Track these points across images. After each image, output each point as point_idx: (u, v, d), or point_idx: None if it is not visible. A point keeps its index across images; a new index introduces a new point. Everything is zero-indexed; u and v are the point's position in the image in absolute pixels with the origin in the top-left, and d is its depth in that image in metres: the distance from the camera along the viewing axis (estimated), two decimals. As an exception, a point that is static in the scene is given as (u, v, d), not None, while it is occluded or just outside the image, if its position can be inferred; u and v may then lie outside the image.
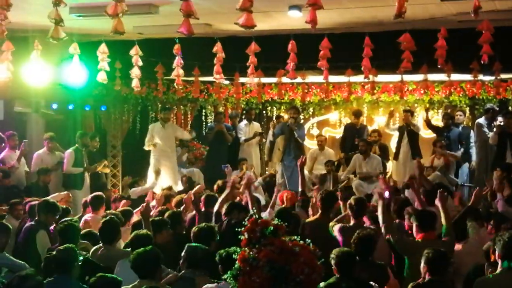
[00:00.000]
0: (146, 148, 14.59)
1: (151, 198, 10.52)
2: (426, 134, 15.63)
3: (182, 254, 6.76)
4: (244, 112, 16.73)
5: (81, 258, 6.81)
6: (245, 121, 16.15)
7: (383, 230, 7.41)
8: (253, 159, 15.78)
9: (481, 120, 14.10)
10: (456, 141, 14.35)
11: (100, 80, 12.56)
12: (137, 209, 9.18)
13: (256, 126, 16.01)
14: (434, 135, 14.75)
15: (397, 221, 8.49)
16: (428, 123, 14.83)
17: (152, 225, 7.94)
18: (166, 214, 8.79)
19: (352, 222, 8.22)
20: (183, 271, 6.69)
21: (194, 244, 6.90)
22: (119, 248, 7.96)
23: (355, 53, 11.80)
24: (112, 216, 8.39)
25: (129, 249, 7.30)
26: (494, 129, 13.28)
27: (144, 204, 8.31)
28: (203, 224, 7.87)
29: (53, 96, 14.84)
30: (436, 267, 6.18)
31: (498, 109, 14.45)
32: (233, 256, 4.94)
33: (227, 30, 12.64)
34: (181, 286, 6.38)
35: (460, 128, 14.57)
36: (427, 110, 15.17)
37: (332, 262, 6.32)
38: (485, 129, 13.66)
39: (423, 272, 6.26)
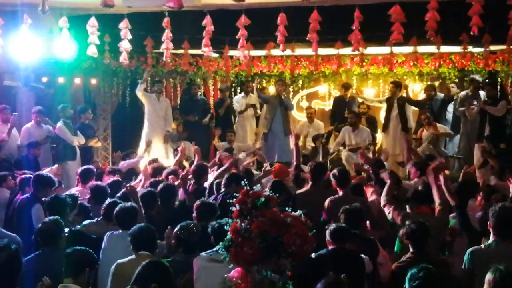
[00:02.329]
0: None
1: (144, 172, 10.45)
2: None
3: (176, 233, 6.51)
4: (241, 84, 16.69)
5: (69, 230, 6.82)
6: (242, 94, 16.15)
7: (382, 201, 7.43)
8: (248, 132, 15.85)
9: (464, 93, 14.19)
10: (440, 111, 14.39)
11: (90, 54, 12.52)
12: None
13: (254, 98, 15.93)
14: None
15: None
16: (408, 100, 14.81)
17: (144, 199, 7.96)
18: (160, 187, 8.72)
19: (340, 193, 8.25)
20: (177, 255, 6.47)
21: (189, 223, 6.66)
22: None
23: (345, 26, 11.75)
24: (104, 188, 8.39)
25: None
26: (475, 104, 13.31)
27: (128, 185, 8.41)
28: (204, 199, 7.85)
29: (43, 70, 14.74)
30: (417, 240, 6.19)
31: (481, 80, 14.51)
32: (225, 227, 4.94)
33: (216, 4, 12.54)
34: (175, 268, 6.23)
35: (441, 98, 14.72)
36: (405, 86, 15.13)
37: (327, 236, 6.35)
38: (472, 101, 13.68)
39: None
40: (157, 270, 5.23)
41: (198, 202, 7.53)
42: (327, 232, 6.37)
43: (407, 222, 6.29)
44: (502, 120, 13.17)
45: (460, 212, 6.93)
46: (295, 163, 10.17)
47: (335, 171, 8.45)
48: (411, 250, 6.20)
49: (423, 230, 6.19)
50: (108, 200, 7.84)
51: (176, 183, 9.15)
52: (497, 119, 12.96)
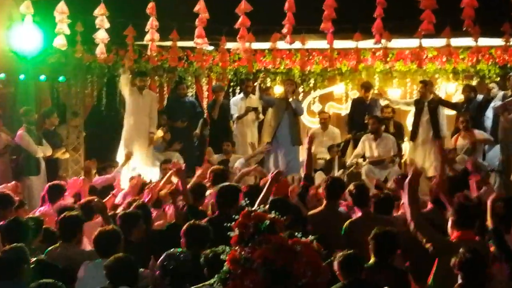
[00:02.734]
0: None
1: (119, 191, 10.48)
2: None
3: (161, 262, 6.43)
4: (240, 83, 16.65)
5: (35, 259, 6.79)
6: (241, 95, 16.06)
7: (411, 225, 7.36)
8: (248, 140, 15.60)
9: (501, 94, 14.13)
10: (477, 116, 14.33)
11: (57, 46, 12.51)
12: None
13: (255, 100, 15.65)
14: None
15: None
16: (439, 100, 14.78)
17: (124, 220, 7.95)
18: (134, 205, 8.73)
19: (359, 214, 8.24)
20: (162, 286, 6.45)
21: (177, 250, 6.71)
22: (82, 249, 7.93)
23: (365, 14, 11.79)
24: (71, 208, 8.35)
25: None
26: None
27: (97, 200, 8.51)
28: (194, 221, 7.80)
29: (1, 65, 14.76)
30: (471, 271, 6.16)
31: None
32: (221, 256, 4.94)
33: (212, -15, 12.62)
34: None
35: (479, 101, 14.62)
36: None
37: (335, 267, 6.32)
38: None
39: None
40: None
41: (186, 225, 7.49)
42: (335, 263, 6.32)
43: (461, 250, 6.25)
44: None
45: (497, 235, 6.91)
46: (304, 173, 10.01)
47: (351, 187, 8.44)
48: (459, 281, 6.17)
49: (480, 261, 6.17)
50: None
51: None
52: None
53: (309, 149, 10.13)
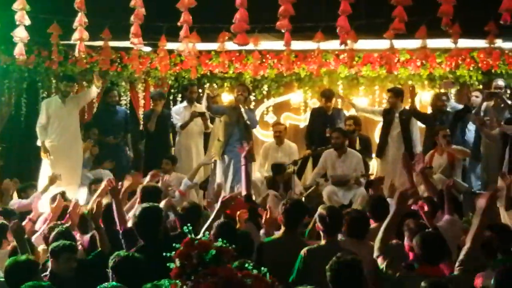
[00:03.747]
0: (39, 142, 14.48)
1: (36, 217, 10.39)
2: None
3: None
4: (183, 90, 16.58)
5: None
6: (184, 103, 15.97)
7: (375, 250, 7.38)
8: (194, 155, 15.52)
9: (485, 105, 14.30)
10: (452, 129, 14.37)
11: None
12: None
13: (200, 109, 15.50)
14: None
15: (394, 241, 8.45)
16: (414, 113, 14.78)
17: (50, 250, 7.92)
18: (53, 233, 8.68)
19: (323, 241, 8.21)
20: None
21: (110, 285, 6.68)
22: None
23: (328, 10, 11.83)
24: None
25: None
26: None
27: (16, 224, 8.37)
28: (126, 254, 7.73)
29: None
30: None
31: (503, 85, 14.69)
32: (160, 292, 4.90)
33: (150, -24, 12.60)
34: None
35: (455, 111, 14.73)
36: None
37: None
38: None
39: None
40: None
41: (116, 259, 7.45)
42: None
43: (423, 284, 6.26)
44: None
45: None
46: (244, 193, 10.02)
47: (322, 210, 8.35)
48: None
49: None
50: None
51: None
52: None
53: (246, 166, 10.06)
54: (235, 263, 5.18)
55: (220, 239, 5.06)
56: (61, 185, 13.29)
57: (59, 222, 9.79)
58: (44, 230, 9.40)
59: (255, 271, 4.95)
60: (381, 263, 7.22)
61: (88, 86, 16.49)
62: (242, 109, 14.16)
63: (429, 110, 15.49)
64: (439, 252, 7.30)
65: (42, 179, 14.02)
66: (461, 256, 7.16)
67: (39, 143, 14.55)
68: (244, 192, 10.02)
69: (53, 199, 11.39)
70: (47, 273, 7.92)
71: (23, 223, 9.82)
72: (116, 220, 8.81)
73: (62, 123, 14.30)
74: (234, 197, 9.06)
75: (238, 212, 9.42)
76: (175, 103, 16.71)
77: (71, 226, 9.44)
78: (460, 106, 14.74)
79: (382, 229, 7.35)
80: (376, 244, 7.32)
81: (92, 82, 15.96)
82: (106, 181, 10.88)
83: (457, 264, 7.14)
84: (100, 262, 7.69)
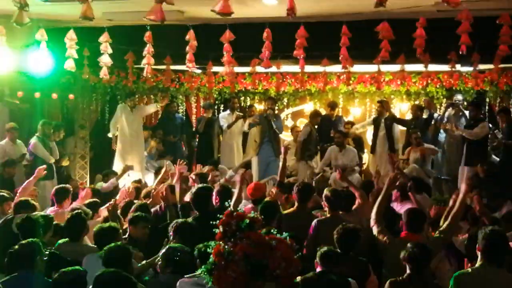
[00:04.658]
0: (110, 134, 14.59)
1: (125, 196, 10.40)
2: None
3: (163, 255, 6.54)
4: (227, 101, 16.57)
5: (47, 252, 6.72)
6: (228, 111, 15.81)
7: (372, 220, 7.39)
8: (235, 152, 15.45)
9: (447, 113, 14.21)
10: (423, 132, 14.33)
11: (67, 68, 12.43)
12: (106, 205, 9.21)
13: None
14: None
15: None
16: (395, 119, 14.81)
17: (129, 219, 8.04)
18: (134, 207, 8.70)
19: (328, 215, 8.23)
20: (163, 275, 6.49)
21: (178, 246, 6.68)
22: (86, 244, 7.87)
23: (332, 42, 11.79)
24: (79, 211, 8.27)
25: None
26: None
27: (112, 202, 8.56)
28: (183, 220, 7.75)
29: (18, 84, 14.66)
30: (417, 264, 6.16)
31: (461, 99, 14.59)
32: (208, 250, 4.90)
33: (200, 17, 12.56)
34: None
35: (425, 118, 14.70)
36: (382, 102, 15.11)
37: (318, 257, 6.33)
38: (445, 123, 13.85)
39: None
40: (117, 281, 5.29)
41: (176, 222, 7.51)
42: (318, 254, 6.36)
43: (409, 245, 6.24)
44: (481, 143, 13.09)
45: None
46: (278, 180, 9.95)
47: (327, 192, 8.38)
48: (408, 272, 6.16)
49: (426, 254, 6.19)
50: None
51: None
52: (473, 141, 12.98)
53: (284, 159, 10.10)
54: (264, 230, 5.19)
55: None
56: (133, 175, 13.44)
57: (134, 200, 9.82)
58: (121, 205, 9.45)
59: (278, 236, 4.96)
60: (375, 230, 7.26)
61: (155, 100, 16.55)
62: (272, 121, 14.55)
63: (407, 116, 15.45)
64: (420, 223, 7.29)
65: (116, 166, 14.13)
66: (443, 227, 7.17)
67: (110, 135, 14.67)
68: (278, 178, 9.95)
69: (133, 183, 11.55)
70: (126, 236, 7.98)
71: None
72: (177, 196, 8.90)
73: (130, 127, 14.40)
74: (244, 174, 9.10)
75: (269, 192, 9.61)
76: (219, 112, 16.65)
77: (153, 203, 9.39)
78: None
79: (377, 204, 7.42)
80: (372, 216, 7.35)
81: (158, 98, 16.10)
82: (165, 168, 11.06)
83: (437, 232, 7.15)
84: (166, 231, 7.73)
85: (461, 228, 8.06)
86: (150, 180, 13.83)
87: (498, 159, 13.39)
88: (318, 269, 6.30)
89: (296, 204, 8.70)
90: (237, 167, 13.23)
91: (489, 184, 11.58)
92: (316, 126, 15.02)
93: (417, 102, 15.53)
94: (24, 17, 8.83)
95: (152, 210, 9.03)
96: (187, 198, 8.85)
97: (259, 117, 14.75)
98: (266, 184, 11.37)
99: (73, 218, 7.89)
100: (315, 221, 8.05)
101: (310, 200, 8.92)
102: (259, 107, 16.37)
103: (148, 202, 9.37)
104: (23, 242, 6.60)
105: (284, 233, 5.07)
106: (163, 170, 11.18)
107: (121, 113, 14.63)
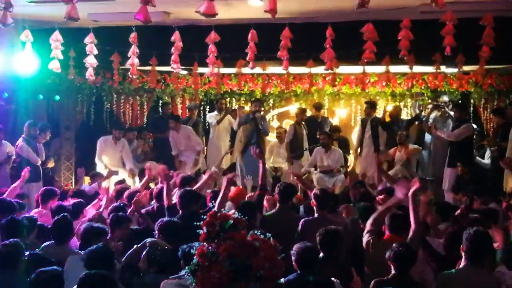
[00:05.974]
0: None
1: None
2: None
3: (146, 254, 6.55)
4: (214, 102, 16.54)
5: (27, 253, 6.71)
6: (215, 112, 15.83)
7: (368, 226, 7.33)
8: (222, 150, 15.43)
9: (433, 115, 14.27)
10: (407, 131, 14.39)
11: (53, 69, 12.38)
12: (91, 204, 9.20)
13: (227, 116, 15.68)
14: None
15: None
16: (380, 122, 14.69)
17: (112, 221, 7.95)
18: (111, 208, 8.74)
19: (316, 215, 8.23)
20: (147, 275, 6.48)
21: (159, 244, 6.68)
22: (71, 248, 7.80)
23: (317, 44, 11.81)
24: (65, 214, 8.21)
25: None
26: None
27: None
28: (169, 219, 7.74)
29: (3, 85, 14.57)
30: (402, 263, 6.16)
31: (447, 100, 14.66)
32: (192, 251, 4.90)
33: (186, 19, 12.54)
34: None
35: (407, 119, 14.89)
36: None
37: (293, 258, 6.27)
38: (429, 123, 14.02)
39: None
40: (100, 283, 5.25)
41: (165, 222, 7.49)
42: (293, 253, 6.26)
43: (394, 245, 6.24)
44: (465, 144, 13.03)
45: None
46: (260, 183, 9.55)
47: (316, 191, 8.41)
48: (393, 271, 6.17)
49: (411, 254, 6.19)
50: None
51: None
52: (457, 143, 12.97)
53: (263, 163, 9.80)
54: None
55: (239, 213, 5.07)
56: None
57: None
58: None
59: (262, 236, 4.96)
60: (365, 231, 7.24)
61: (140, 100, 16.51)
62: (259, 123, 14.54)
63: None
64: (403, 225, 7.23)
65: (99, 167, 14.17)
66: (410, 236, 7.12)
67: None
68: (260, 182, 9.48)
69: (116, 184, 11.48)
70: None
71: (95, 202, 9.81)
72: (164, 198, 8.86)
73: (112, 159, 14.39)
74: (231, 178, 8.89)
75: (248, 195, 9.61)
76: (204, 113, 16.69)
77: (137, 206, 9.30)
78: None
79: (378, 211, 7.31)
80: (370, 220, 7.26)
81: (143, 97, 16.08)
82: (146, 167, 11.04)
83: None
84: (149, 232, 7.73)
85: (439, 230, 8.03)
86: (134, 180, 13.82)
87: (482, 160, 13.44)
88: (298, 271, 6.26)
89: (278, 205, 8.68)
90: (219, 162, 13.34)
91: (472, 184, 11.65)
92: (303, 123, 15.06)
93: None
94: (8, 18, 8.80)
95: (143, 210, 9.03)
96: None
97: (246, 117, 14.71)
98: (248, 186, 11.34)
99: (60, 221, 7.81)
100: (302, 220, 8.04)
101: (292, 199, 8.92)
102: (246, 108, 16.33)
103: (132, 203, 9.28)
104: (6, 242, 6.59)
105: (267, 234, 5.06)
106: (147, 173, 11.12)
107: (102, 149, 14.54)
